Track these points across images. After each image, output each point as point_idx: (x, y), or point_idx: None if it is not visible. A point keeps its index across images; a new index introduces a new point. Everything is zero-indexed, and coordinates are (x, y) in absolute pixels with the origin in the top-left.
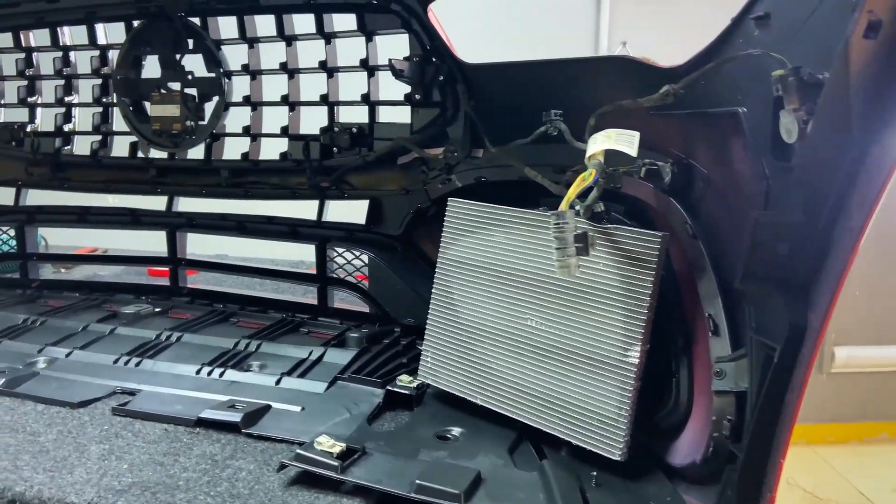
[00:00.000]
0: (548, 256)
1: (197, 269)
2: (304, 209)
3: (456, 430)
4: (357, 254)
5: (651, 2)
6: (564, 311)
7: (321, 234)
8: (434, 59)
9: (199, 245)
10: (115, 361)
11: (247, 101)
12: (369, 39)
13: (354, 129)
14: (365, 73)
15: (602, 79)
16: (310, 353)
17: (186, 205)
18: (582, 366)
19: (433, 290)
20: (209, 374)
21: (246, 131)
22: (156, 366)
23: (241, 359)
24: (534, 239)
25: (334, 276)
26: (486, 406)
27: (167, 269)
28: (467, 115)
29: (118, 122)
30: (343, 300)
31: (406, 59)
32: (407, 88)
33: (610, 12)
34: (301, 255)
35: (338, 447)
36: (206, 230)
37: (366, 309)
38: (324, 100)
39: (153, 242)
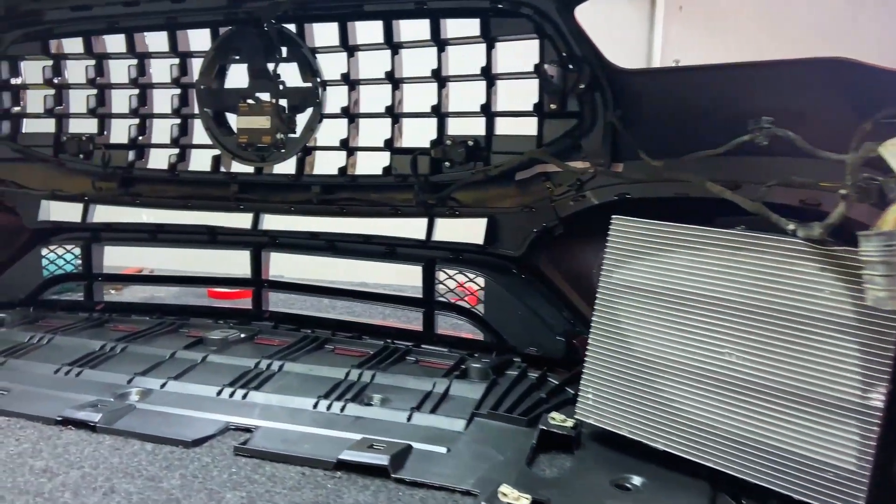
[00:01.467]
0: (751, 281)
1: (288, 292)
2: (396, 229)
3: (636, 479)
4: (471, 276)
5: (703, 22)
6: (776, 343)
7: (428, 255)
8: (573, 66)
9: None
10: (219, 393)
11: (344, 112)
12: (491, 46)
13: (471, 142)
14: (483, 83)
15: (811, 82)
16: (433, 386)
17: (271, 223)
18: (802, 407)
19: (594, 319)
20: (328, 407)
21: (343, 144)
22: (264, 398)
23: (359, 391)
24: (732, 262)
25: (443, 299)
26: (670, 450)
27: (238, 290)
28: (610, 125)
29: (198, 135)
30: (448, 326)
31: (550, 64)
32: (533, 98)
33: (663, 32)
34: (392, 278)
35: (524, 500)
36: (293, 250)
37: (477, 335)
38: (434, 111)
39: (207, 261)
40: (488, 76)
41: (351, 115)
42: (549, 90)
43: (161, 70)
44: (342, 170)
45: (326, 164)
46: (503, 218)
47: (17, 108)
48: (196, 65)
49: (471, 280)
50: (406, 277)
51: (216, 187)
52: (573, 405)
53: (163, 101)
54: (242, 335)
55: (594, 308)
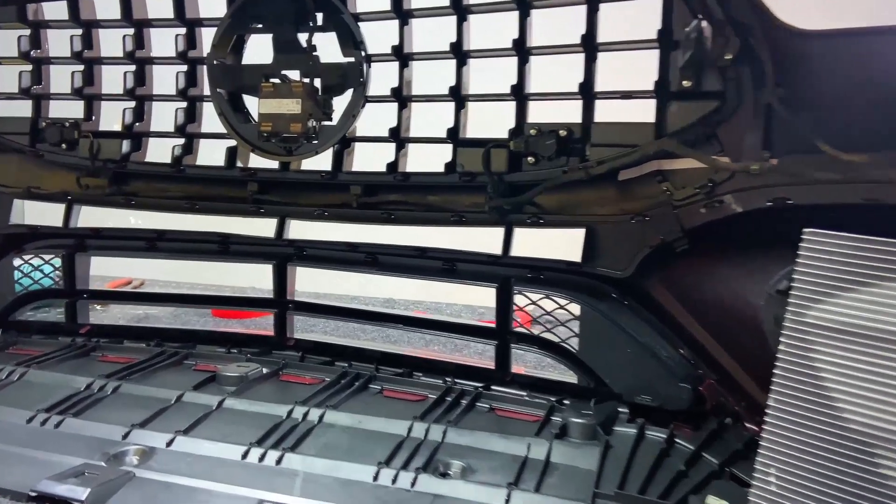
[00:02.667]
0: None
1: (321, 316)
2: (460, 239)
3: None
4: (563, 302)
5: None
6: None
7: (502, 274)
8: (716, 29)
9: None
10: (244, 455)
11: (395, 94)
12: (594, 9)
13: (563, 132)
14: (580, 55)
15: None
16: (528, 449)
17: (298, 230)
18: None
19: (778, 373)
20: (394, 479)
21: (393, 134)
22: (306, 463)
23: (430, 455)
24: None
25: (523, 330)
26: None
27: (248, 310)
28: (765, 108)
29: (208, 122)
30: (522, 363)
31: (686, 27)
32: (646, 75)
33: None
34: (452, 296)
35: None
36: (325, 264)
37: (564, 375)
38: (515, 92)
39: (211, 273)
40: (589, 47)
41: (403, 97)
42: (686, 64)
43: (163, 42)
44: (391, 166)
45: (368, 158)
46: (605, 229)
47: None
48: (207, 35)
49: (561, 307)
50: (456, 295)
51: (230, 186)
52: (722, 479)
53: (165, 79)
54: (264, 370)
55: (778, 359)
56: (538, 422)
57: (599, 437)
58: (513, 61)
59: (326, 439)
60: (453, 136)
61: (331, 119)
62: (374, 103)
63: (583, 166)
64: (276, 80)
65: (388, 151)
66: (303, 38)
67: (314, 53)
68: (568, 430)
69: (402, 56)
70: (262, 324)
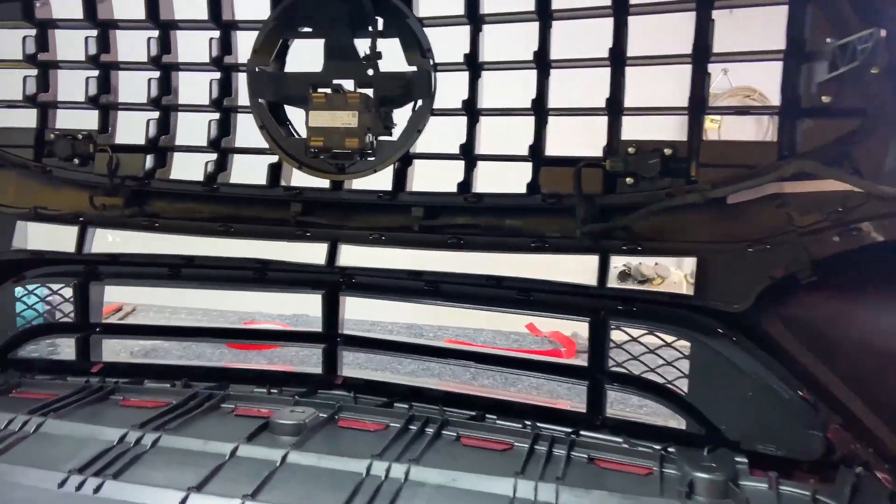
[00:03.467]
0: None
1: (380, 352)
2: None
3: None
4: (668, 340)
5: (754, 29)
6: None
7: (593, 306)
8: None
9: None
10: None
11: (467, 107)
12: (707, 18)
13: (668, 151)
14: (685, 67)
15: None
16: None
17: (348, 256)
18: None
19: None
20: None
21: (465, 151)
22: None
23: None
24: None
25: (621, 370)
26: None
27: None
28: None
29: (244, 135)
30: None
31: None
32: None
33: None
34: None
35: None
36: (381, 293)
37: (666, 418)
38: (612, 105)
39: (203, 297)
40: (700, 56)
41: (476, 110)
42: (830, 78)
43: (193, 45)
44: (463, 186)
45: (428, 178)
46: (716, 258)
47: None
48: (244, 39)
49: (667, 344)
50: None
51: (271, 207)
52: None
53: (194, 87)
54: (322, 415)
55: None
56: (649, 475)
57: (733, 494)
58: (604, 72)
59: (420, 502)
60: (536, 153)
61: (390, 133)
62: (440, 117)
63: (698, 188)
64: (329, 90)
65: (453, 171)
66: (362, 43)
67: (371, 61)
68: (694, 486)
69: (474, 65)
70: (286, 356)
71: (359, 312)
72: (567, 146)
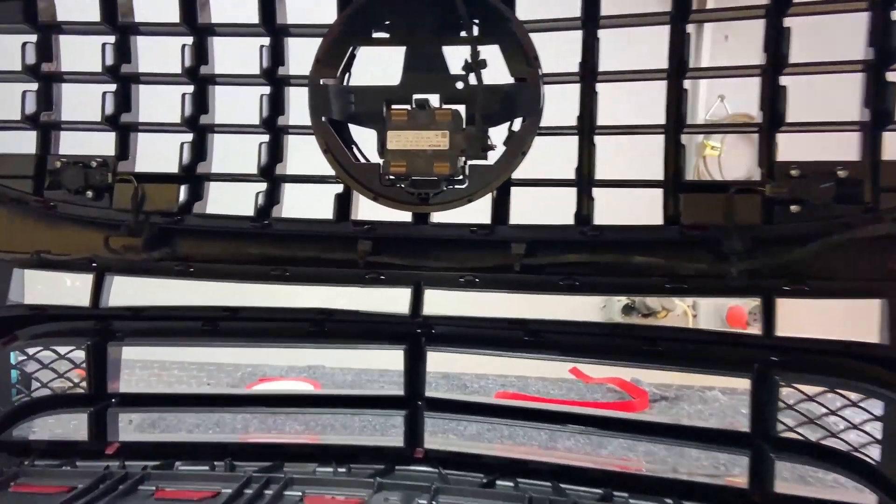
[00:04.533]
0: None
1: (471, 418)
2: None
3: None
4: (854, 399)
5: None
6: None
7: (758, 358)
8: None
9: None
10: None
11: (585, 124)
12: (890, 7)
13: (842, 172)
14: (857, 75)
15: None
16: None
17: (431, 302)
18: None
19: None
20: None
21: (582, 176)
22: None
23: None
24: None
25: (795, 436)
26: None
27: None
28: None
29: (299, 160)
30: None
31: None
32: None
33: (709, 63)
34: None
35: None
36: (473, 346)
37: (844, 493)
38: (772, 122)
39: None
40: (885, 55)
41: (593, 128)
42: None
43: (233, 54)
44: (582, 218)
45: (526, 208)
46: None
47: None
48: (297, 47)
49: (853, 404)
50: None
51: (335, 246)
52: None
53: (233, 104)
54: (420, 501)
55: None
56: None
57: None
58: (750, 83)
59: None
60: (674, 178)
61: (485, 157)
62: (547, 136)
63: (890, 216)
64: (412, 107)
65: (562, 200)
66: (453, 52)
67: (464, 73)
68: None
69: (590, 76)
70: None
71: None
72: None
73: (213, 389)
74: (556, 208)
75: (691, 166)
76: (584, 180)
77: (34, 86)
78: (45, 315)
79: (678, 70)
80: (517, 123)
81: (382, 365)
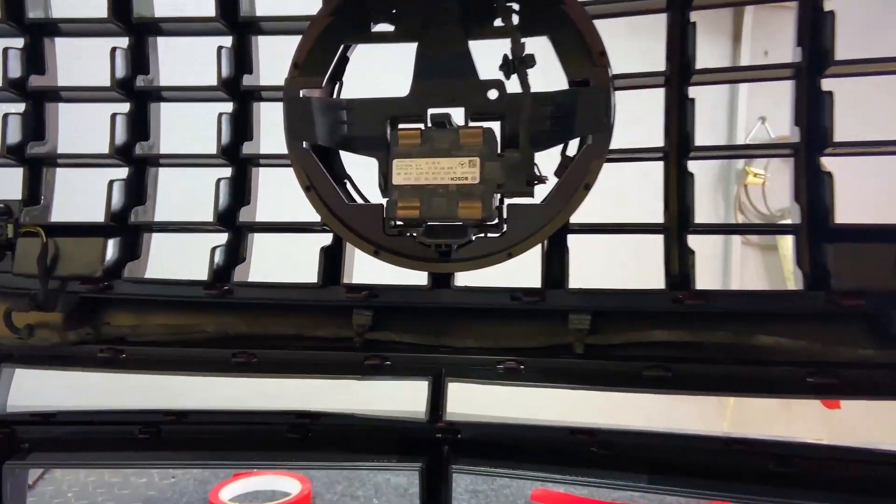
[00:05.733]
0: None
1: None
2: None
3: None
4: None
5: None
6: None
7: None
8: None
9: None
10: None
11: (677, 144)
12: None
13: None
14: None
15: None
16: None
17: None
18: None
19: None
20: None
21: (681, 219)
22: None
23: None
24: None
25: None
26: None
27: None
28: None
29: (278, 200)
30: None
31: None
32: None
33: (749, 85)
34: None
35: None
36: (515, 461)
37: None
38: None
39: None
40: None
41: (689, 148)
42: None
43: (183, 59)
44: (676, 279)
45: (584, 265)
46: None
47: None
48: (269, 48)
49: None
50: None
51: (320, 320)
52: None
53: (182, 126)
54: None
55: None
56: None
57: None
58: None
59: None
60: (815, 220)
61: (533, 193)
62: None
63: None
64: (423, 126)
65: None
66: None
67: (493, 78)
68: None
69: (681, 76)
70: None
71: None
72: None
73: None
74: (630, 265)
75: (731, 195)
76: (677, 224)
77: None
78: None
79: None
80: (573, 146)
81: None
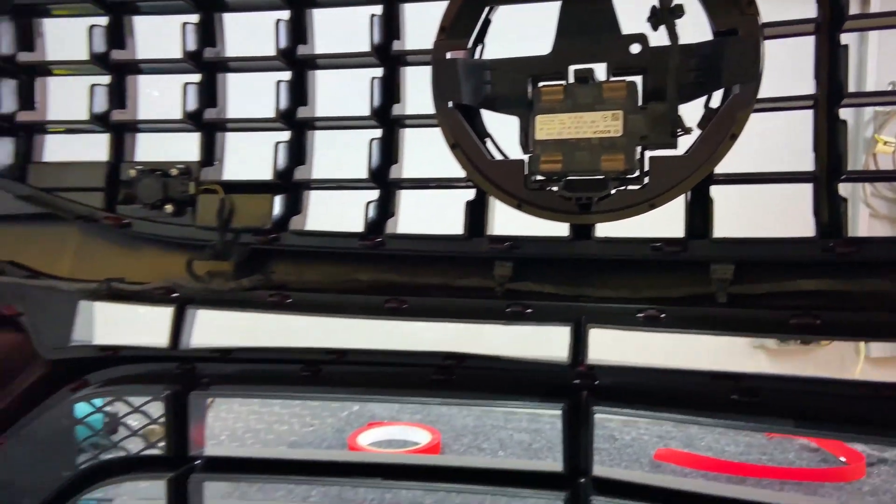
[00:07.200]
0: None
1: None
2: None
3: None
4: None
5: None
6: None
7: None
8: None
9: None
10: None
11: (830, 91)
12: None
13: None
14: None
15: None
16: None
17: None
18: None
19: None
20: None
21: (832, 168)
22: None
23: None
24: None
25: None
26: None
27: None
28: None
29: (416, 161)
30: None
31: None
32: None
33: (878, 48)
34: None
35: None
36: (655, 406)
37: None
38: None
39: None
40: None
41: (842, 94)
42: None
43: (329, 31)
44: (825, 227)
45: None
46: None
47: (28, 115)
48: (414, 14)
49: None
50: None
51: (464, 270)
52: None
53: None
54: None
55: None
56: None
57: None
58: None
59: None
60: None
61: (672, 144)
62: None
63: None
64: (565, 83)
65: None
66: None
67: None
68: None
69: (833, 22)
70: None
71: None
72: None
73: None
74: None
75: (859, 164)
76: (826, 172)
77: (104, 79)
78: (118, 357)
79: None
80: (716, 97)
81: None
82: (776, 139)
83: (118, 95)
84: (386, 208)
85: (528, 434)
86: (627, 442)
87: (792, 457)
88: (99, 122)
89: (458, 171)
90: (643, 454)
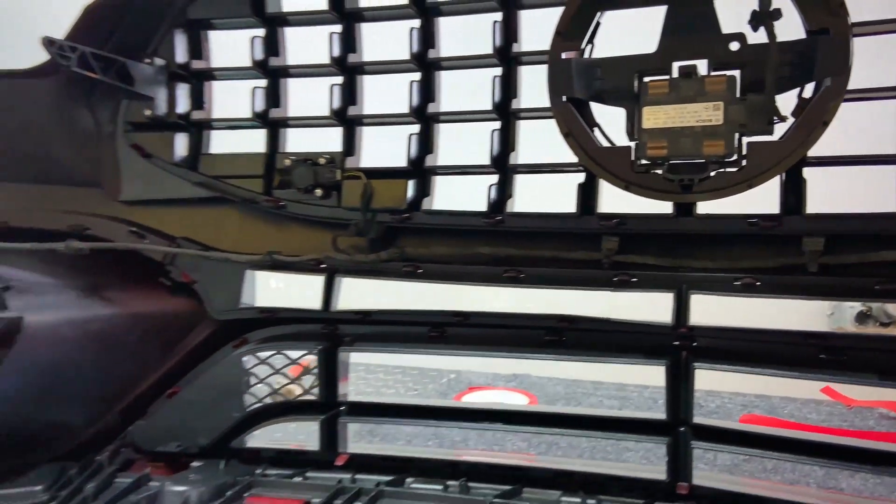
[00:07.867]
0: None
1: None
2: None
3: None
4: None
5: None
6: None
7: None
8: None
9: None
10: None
11: None
12: None
13: None
14: None
15: None
16: None
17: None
18: None
19: None
20: None
21: None
22: None
23: None
24: None
25: None
26: None
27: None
28: None
29: (530, 147)
30: None
31: None
32: None
33: None
34: None
35: None
36: (748, 363)
37: None
38: None
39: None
40: None
41: None
42: None
43: (456, 35)
44: None
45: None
46: None
47: (198, 114)
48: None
49: None
50: None
51: (574, 244)
52: None
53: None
54: None
55: None
56: None
57: None
58: None
59: None
60: None
61: (770, 130)
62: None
63: None
64: (670, 77)
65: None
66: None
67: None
68: None
69: None
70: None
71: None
72: None
73: (427, 399)
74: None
75: None
76: None
77: (263, 82)
78: (276, 318)
79: None
80: (808, 89)
81: (595, 376)
82: (861, 125)
83: (273, 96)
84: (505, 190)
85: (616, 401)
86: (712, 409)
87: (872, 423)
88: (259, 119)
89: (569, 157)
90: (728, 420)
